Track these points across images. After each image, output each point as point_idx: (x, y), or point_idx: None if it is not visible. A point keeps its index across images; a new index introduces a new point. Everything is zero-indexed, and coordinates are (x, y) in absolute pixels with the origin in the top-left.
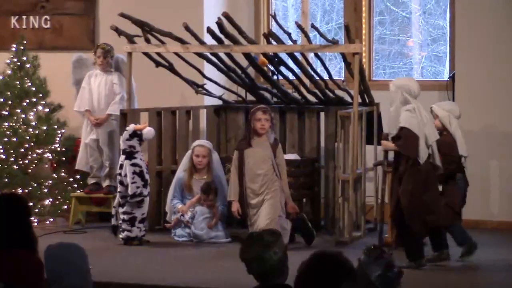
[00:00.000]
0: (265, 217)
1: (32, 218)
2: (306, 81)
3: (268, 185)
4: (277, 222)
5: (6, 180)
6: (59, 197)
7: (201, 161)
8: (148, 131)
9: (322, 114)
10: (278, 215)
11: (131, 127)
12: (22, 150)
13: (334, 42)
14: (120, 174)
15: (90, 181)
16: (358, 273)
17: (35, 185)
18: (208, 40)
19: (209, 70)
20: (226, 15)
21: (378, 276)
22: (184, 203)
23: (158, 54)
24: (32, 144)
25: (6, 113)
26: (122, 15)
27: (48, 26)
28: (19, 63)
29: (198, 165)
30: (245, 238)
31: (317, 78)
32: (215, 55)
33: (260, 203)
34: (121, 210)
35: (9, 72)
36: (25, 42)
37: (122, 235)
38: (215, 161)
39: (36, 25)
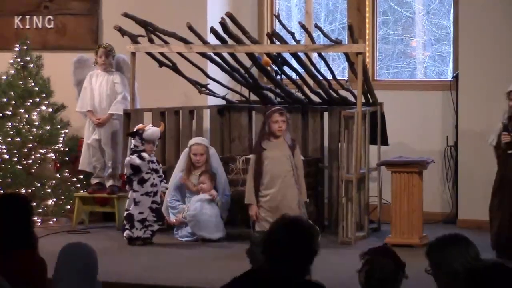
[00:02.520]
0: None
1: (36, 218)
2: (310, 81)
3: (287, 186)
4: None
5: (10, 180)
6: (63, 197)
7: (199, 159)
8: (148, 131)
9: (326, 114)
10: None
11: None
12: (26, 150)
13: (338, 42)
14: None
15: (94, 181)
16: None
17: (39, 185)
18: (212, 40)
19: (213, 70)
20: (229, 15)
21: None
22: (183, 202)
23: (162, 54)
24: (36, 144)
25: (10, 113)
26: (126, 15)
27: (51, 26)
28: (22, 63)
29: (196, 163)
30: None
31: (321, 78)
32: (218, 55)
33: (275, 205)
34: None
35: (12, 72)
36: (28, 42)
37: (124, 234)
38: (213, 156)
39: (40, 25)
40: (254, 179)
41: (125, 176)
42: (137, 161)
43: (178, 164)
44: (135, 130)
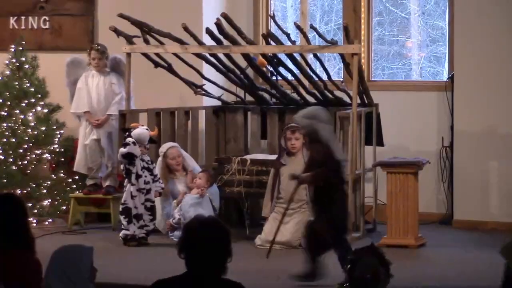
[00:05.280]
0: (290, 229)
1: (31, 219)
2: (305, 82)
3: (299, 204)
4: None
5: (5, 180)
6: (58, 197)
7: (178, 161)
8: (136, 130)
9: None
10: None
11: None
12: (21, 150)
13: (333, 43)
14: None
15: (89, 182)
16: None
17: (34, 185)
18: (207, 40)
19: (208, 70)
20: (225, 16)
21: (356, 277)
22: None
23: (157, 54)
24: (31, 144)
25: (5, 113)
26: (121, 15)
27: (47, 26)
28: (18, 64)
29: (176, 165)
30: None
31: (316, 78)
32: (214, 55)
33: (287, 221)
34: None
35: (8, 72)
36: (24, 42)
37: (120, 234)
38: (187, 158)
39: (35, 26)
40: (271, 193)
41: (122, 171)
42: (123, 150)
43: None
44: (129, 127)
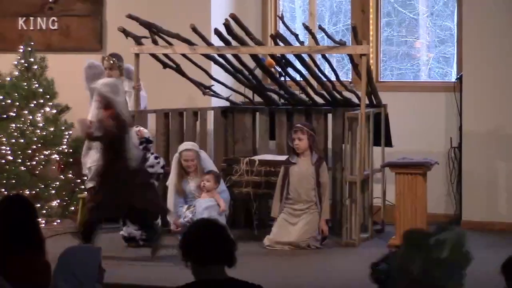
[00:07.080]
0: (299, 230)
1: (40, 220)
2: (314, 83)
3: (307, 205)
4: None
5: (14, 181)
6: (67, 198)
7: (190, 165)
8: None
9: (330, 116)
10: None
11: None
12: (30, 151)
13: (342, 44)
14: None
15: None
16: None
17: (43, 186)
18: (216, 41)
19: (217, 71)
20: (233, 17)
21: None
22: (188, 204)
23: (166, 55)
24: (40, 145)
25: (14, 114)
26: (130, 16)
27: (55, 27)
28: (26, 65)
29: (187, 168)
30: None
31: (325, 79)
32: (222, 56)
33: (295, 221)
34: None
35: (16, 73)
36: (32, 43)
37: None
38: (205, 160)
39: (44, 27)
40: (280, 191)
41: None
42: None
43: (172, 172)
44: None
